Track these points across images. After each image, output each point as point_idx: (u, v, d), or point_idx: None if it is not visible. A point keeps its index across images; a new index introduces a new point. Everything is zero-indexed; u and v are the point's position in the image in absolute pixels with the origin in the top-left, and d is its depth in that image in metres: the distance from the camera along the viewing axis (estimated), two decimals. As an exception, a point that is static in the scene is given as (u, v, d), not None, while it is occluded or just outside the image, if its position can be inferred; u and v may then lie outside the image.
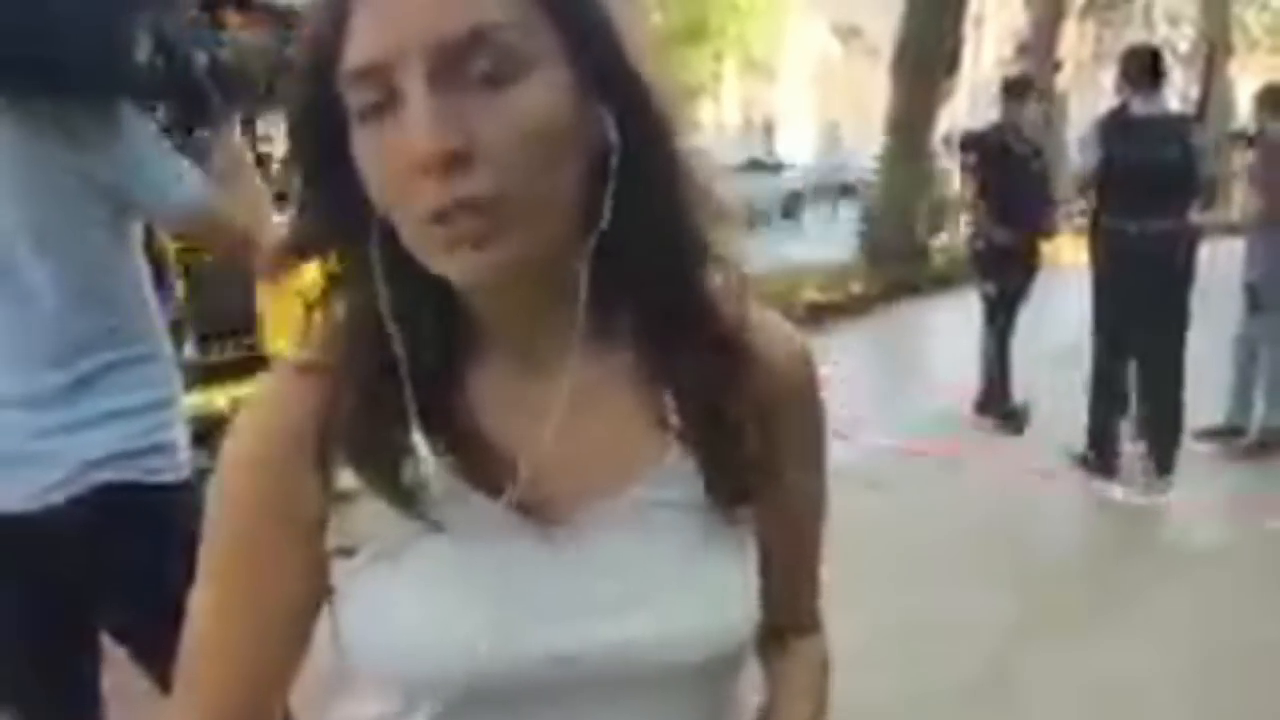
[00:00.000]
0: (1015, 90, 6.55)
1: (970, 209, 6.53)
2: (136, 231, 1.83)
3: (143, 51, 1.73)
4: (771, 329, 0.88)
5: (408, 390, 0.77)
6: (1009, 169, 6.22)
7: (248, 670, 0.84)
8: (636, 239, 0.77)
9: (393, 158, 0.70)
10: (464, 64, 0.69)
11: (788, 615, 0.95)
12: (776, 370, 0.86)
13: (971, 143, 6.61)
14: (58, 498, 1.70)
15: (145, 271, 1.85)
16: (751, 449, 0.83)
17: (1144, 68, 5.36)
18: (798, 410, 0.89)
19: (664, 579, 0.80)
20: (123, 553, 1.73)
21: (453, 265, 0.73)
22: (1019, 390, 6.48)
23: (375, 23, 0.70)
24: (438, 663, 0.77)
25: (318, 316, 0.82)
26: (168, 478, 1.77)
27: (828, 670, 1.00)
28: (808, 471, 0.92)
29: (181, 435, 1.84)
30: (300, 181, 0.79)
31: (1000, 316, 6.40)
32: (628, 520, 0.80)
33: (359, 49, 0.70)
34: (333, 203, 0.77)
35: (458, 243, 0.71)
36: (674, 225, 0.79)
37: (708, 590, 0.81)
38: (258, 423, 0.83)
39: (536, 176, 0.71)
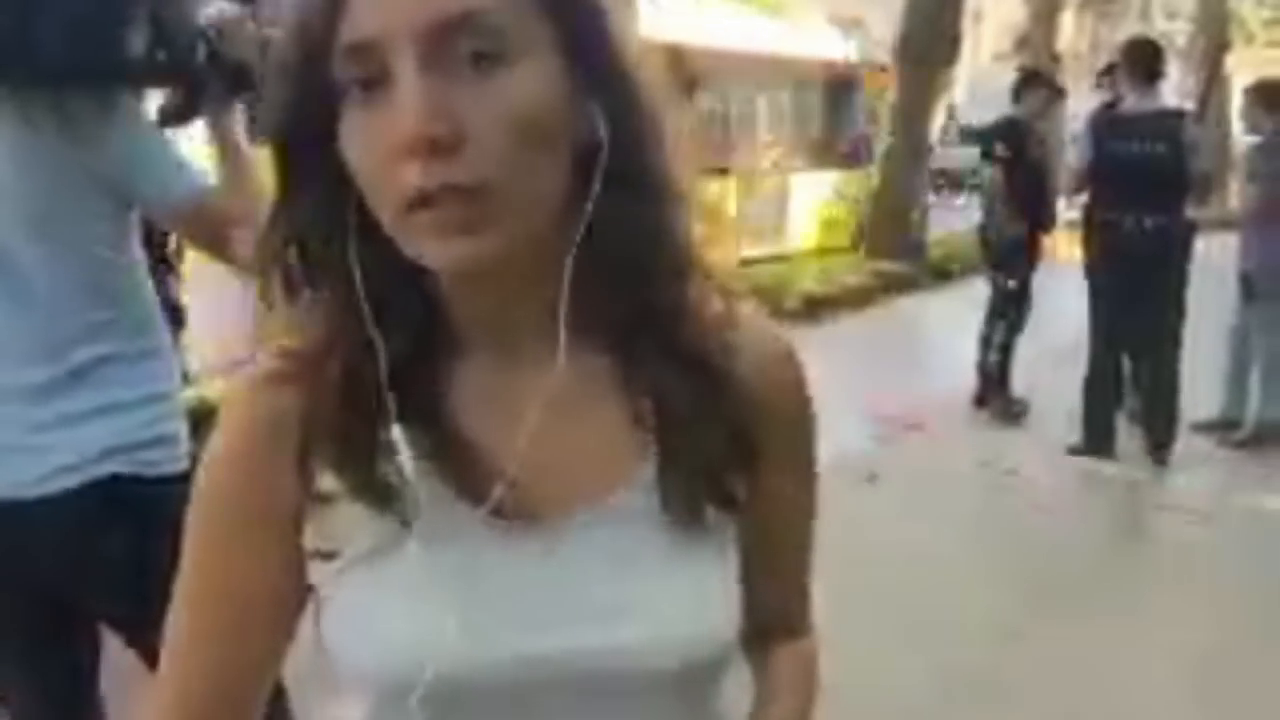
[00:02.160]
0: (1030, 82, 6.53)
1: (991, 200, 6.50)
2: (135, 224, 1.83)
3: (142, 41, 1.72)
4: (756, 333, 0.87)
5: (385, 388, 0.76)
6: (1024, 162, 6.23)
7: (226, 659, 0.84)
8: (619, 239, 0.77)
9: (380, 139, 0.70)
10: (455, 46, 0.69)
11: (777, 620, 0.94)
12: (761, 376, 0.85)
13: (1000, 133, 6.52)
14: (54, 487, 1.70)
15: (144, 264, 1.85)
16: (733, 455, 0.82)
17: (1137, 63, 5.38)
18: (783, 416, 0.87)
19: (644, 585, 0.79)
20: (121, 545, 1.73)
21: (434, 252, 0.72)
22: (1018, 384, 6.49)
23: (370, 1, 0.70)
24: (416, 667, 0.76)
25: (300, 310, 0.81)
26: (167, 470, 1.77)
27: (814, 666, 1.00)
28: (794, 478, 0.91)
29: (181, 428, 1.83)
30: (281, 168, 0.78)
31: (1012, 310, 6.41)
32: (607, 525, 0.80)
33: (353, 26, 0.70)
34: (313, 191, 0.77)
35: (440, 229, 0.71)
36: (657, 226, 0.79)
37: (688, 596, 0.80)
38: (239, 417, 0.82)
39: (522, 166, 0.71)
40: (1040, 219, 6.35)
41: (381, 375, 0.77)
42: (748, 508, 0.84)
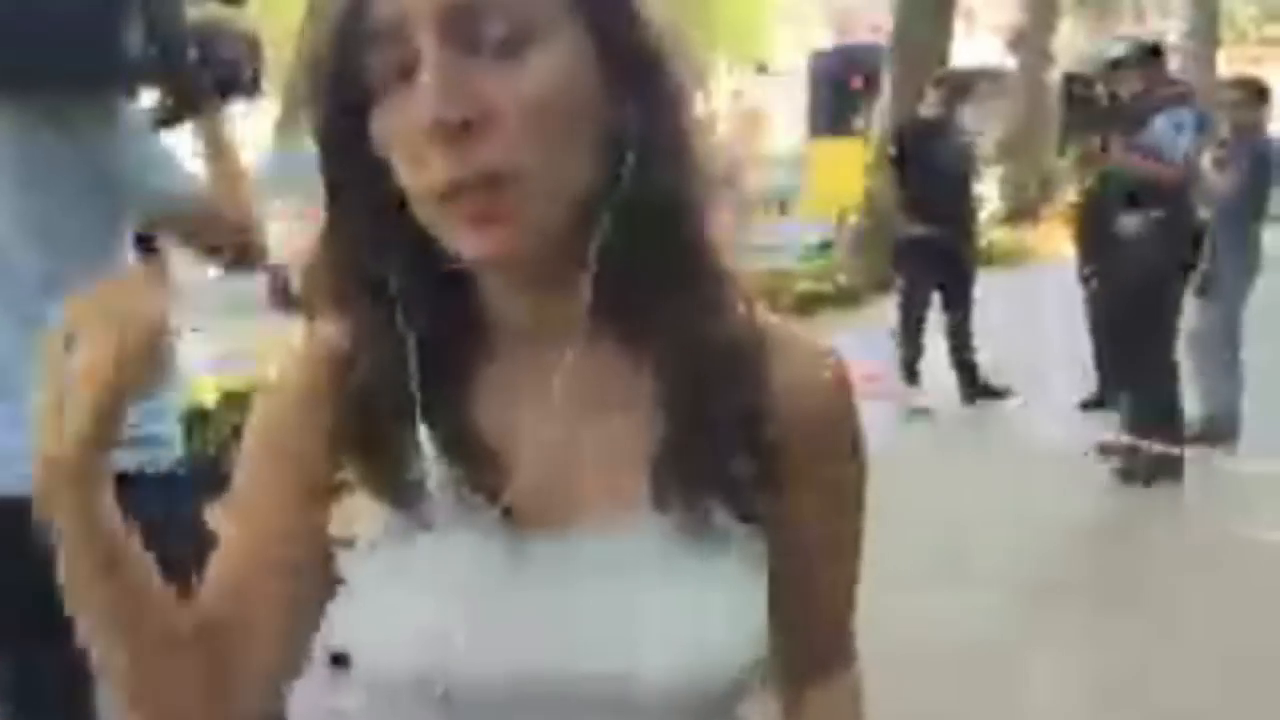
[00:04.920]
0: (948, 85, 6.71)
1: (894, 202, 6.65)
2: (127, 225, 1.85)
3: (136, 41, 1.72)
4: (795, 347, 0.83)
5: (414, 388, 0.76)
6: (935, 164, 6.32)
7: (252, 575, 0.84)
8: (644, 234, 0.75)
9: (405, 126, 0.70)
10: (478, 29, 0.69)
11: (806, 655, 0.91)
12: (794, 391, 0.81)
13: (897, 136, 6.82)
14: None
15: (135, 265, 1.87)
16: (752, 467, 0.79)
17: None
18: (816, 437, 0.83)
19: (652, 599, 0.76)
20: None
21: (467, 242, 0.72)
22: (1018, 381, 6.54)
23: None
24: (415, 666, 0.76)
25: (332, 303, 0.81)
26: (158, 469, 1.79)
27: (856, 705, 0.95)
28: (828, 500, 0.85)
29: (173, 426, 1.85)
30: (323, 164, 0.78)
31: (916, 309, 6.55)
32: (623, 533, 0.78)
33: (380, 8, 0.71)
34: (355, 191, 0.76)
35: (471, 220, 0.71)
36: (684, 225, 0.77)
37: (697, 614, 0.76)
38: (273, 404, 0.85)
39: (548, 150, 0.70)
40: (963, 221, 6.48)
41: (412, 381, 0.77)
42: (776, 527, 0.81)
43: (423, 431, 0.77)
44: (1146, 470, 5.22)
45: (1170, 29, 19.70)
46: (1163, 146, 5.09)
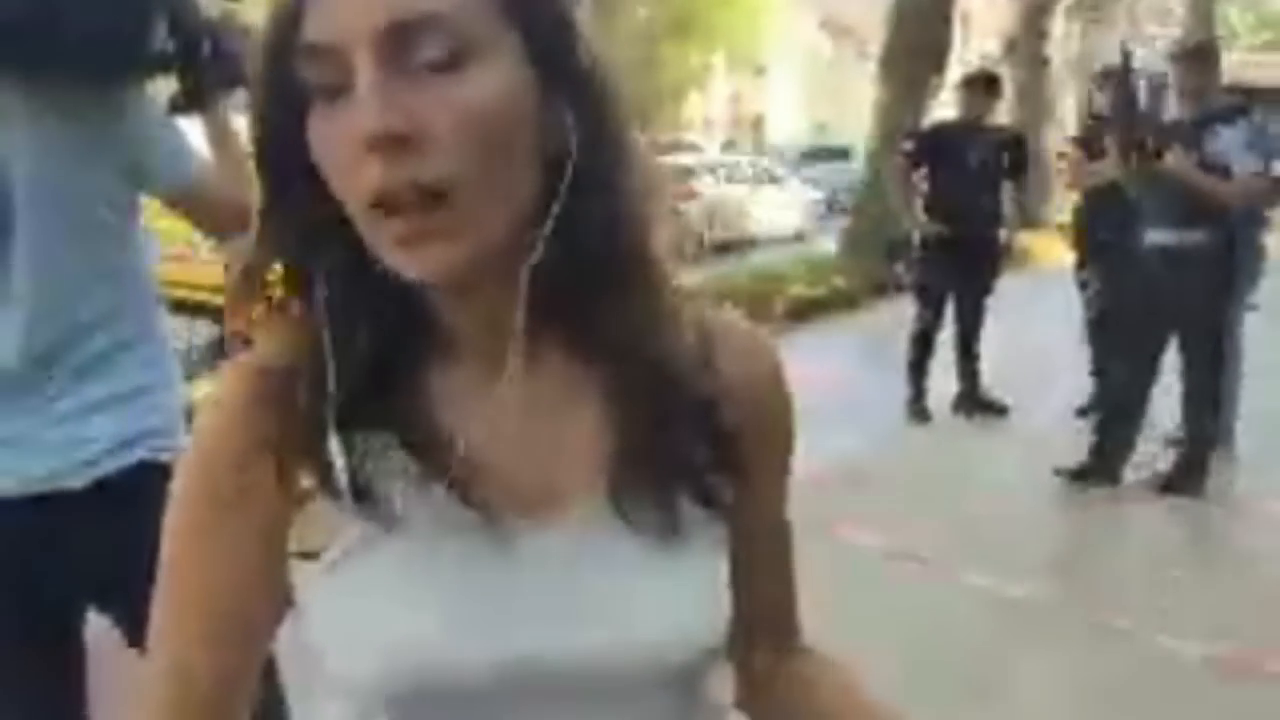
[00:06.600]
0: (976, 86, 6.46)
1: (909, 205, 6.51)
2: (138, 209, 1.86)
3: (159, 35, 1.76)
4: (736, 338, 0.87)
5: (330, 390, 0.76)
6: (959, 167, 6.22)
7: (208, 662, 0.84)
8: (589, 246, 0.76)
9: (340, 138, 0.70)
10: (414, 48, 0.70)
11: (764, 623, 0.95)
12: (742, 377, 0.85)
13: (920, 137, 6.65)
14: (73, 483, 1.72)
15: (144, 251, 1.88)
16: (713, 457, 0.82)
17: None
18: (766, 416, 0.88)
19: (619, 588, 0.79)
20: (125, 534, 1.74)
21: (404, 262, 0.72)
22: (1010, 388, 6.54)
23: (329, 2, 0.71)
24: (392, 665, 0.76)
25: (275, 312, 0.80)
26: (168, 457, 1.78)
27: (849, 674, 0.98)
28: (778, 479, 0.92)
29: (176, 419, 1.85)
30: (263, 174, 0.78)
31: (929, 314, 6.49)
32: (589, 528, 0.80)
33: (314, 27, 0.71)
34: (292, 197, 0.76)
35: (406, 239, 0.71)
36: (627, 233, 0.78)
37: (663, 600, 0.80)
38: (215, 428, 0.82)
39: (485, 168, 0.71)
40: (992, 227, 6.37)
41: (363, 383, 0.77)
42: (734, 510, 0.84)
43: (378, 434, 0.77)
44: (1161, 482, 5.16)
45: (1166, 34, 19.84)
46: (1233, 163, 4.80)
